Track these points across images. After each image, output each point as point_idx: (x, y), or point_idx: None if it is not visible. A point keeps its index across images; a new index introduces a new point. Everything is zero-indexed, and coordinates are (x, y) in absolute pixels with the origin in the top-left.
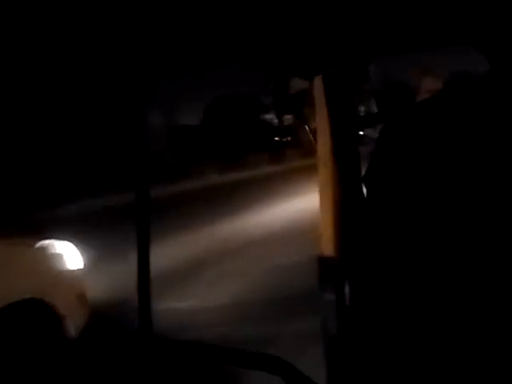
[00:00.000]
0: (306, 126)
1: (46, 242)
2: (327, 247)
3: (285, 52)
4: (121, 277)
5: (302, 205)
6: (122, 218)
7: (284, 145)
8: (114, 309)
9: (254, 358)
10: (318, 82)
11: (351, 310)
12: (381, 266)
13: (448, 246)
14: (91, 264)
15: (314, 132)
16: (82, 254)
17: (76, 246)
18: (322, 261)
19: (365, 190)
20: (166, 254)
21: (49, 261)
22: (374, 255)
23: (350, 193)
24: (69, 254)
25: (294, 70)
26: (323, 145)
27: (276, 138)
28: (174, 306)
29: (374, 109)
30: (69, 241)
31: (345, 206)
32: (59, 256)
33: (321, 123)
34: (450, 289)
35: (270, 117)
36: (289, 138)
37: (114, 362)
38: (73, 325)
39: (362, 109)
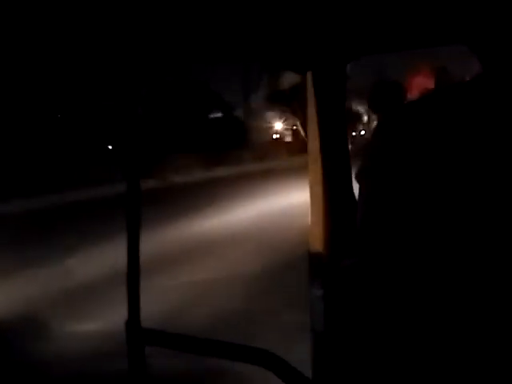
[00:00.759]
0: (298, 122)
1: None
2: (317, 243)
3: (279, 46)
4: (14, 291)
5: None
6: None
7: (236, 145)
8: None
9: (242, 350)
10: (309, 78)
11: (339, 305)
12: (371, 263)
13: (441, 245)
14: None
15: (304, 128)
16: None
17: None
18: (312, 257)
19: (356, 187)
20: (93, 264)
21: None
22: (365, 252)
23: (340, 189)
24: None
25: (287, 64)
26: (313, 141)
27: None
28: (78, 328)
29: (354, 106)
30: None
31: (334, 202)
32: None
33: (311, 119)
34: (440, 286)
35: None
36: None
37: None
38: None
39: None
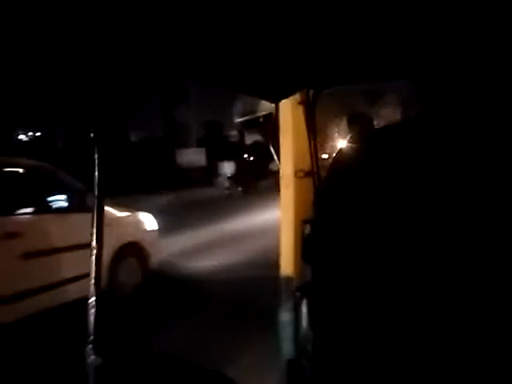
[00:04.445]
0: (271, 148)
1: (141, 212)
2: (288, 268)
3: (253, 75)
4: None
5: None
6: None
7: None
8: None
9: (199, 372)
10: (283, 106)
11: (309, 329)
12: (333, 285)
13: (397, 269)
14: (160, 229)
15: (278, 153)
16: (156, 222)
17: (153, 217)
18: (283, 281)
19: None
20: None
21: (142, 221)
22: (325, 274)
23: (311, 214)
24: (150, 221)
25: (261, 93)
26: (286, 167)
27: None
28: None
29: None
30: (151, 214)
31: (305, 226)
32: (148, 219)
33: (284, 146)
34: (399, 302)
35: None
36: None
37: None
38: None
39: None
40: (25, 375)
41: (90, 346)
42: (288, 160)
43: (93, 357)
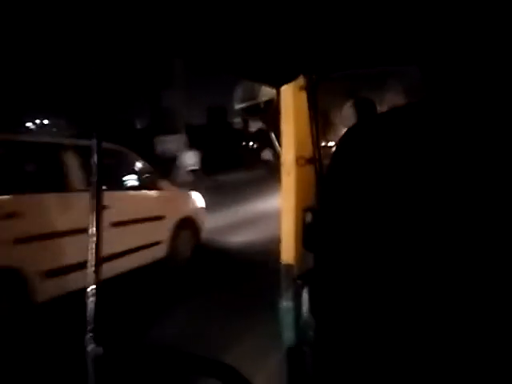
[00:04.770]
0: (272, 135)
1: (191, 192)
2: (289, 256)
3: (255, 59)
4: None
5: None
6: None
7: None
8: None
9: (201, 363)
10: (285, 91)
11: (310, 316)
12: (334, 273)
13: (399, 258)
14: (207, 206)
15: (279, 140)
16: (204, 201)
17: (201, 196)
18: (283, 269)
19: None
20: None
21: (192, 199)
22: (327, 261)
23: (313, 202)
24: (199, 199)
25: (262, 78)
26: (288, 154)
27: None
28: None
29: None
30: (200, 193)
31: (307, 215)
32: (197, 198)
33: (286, 132)
34: (401, 290)
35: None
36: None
37: None
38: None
39: None
40: (30, 362)
41: (90, 335)
42: (289, 147)
43: (92, 346)
